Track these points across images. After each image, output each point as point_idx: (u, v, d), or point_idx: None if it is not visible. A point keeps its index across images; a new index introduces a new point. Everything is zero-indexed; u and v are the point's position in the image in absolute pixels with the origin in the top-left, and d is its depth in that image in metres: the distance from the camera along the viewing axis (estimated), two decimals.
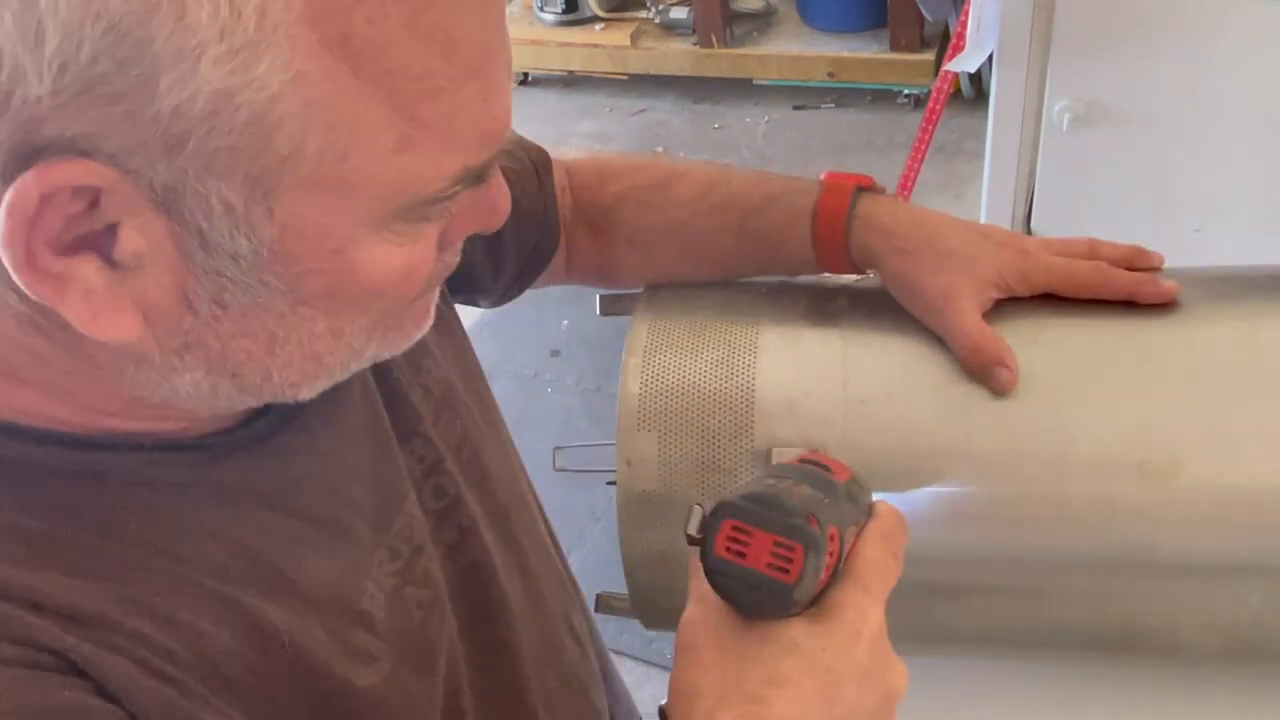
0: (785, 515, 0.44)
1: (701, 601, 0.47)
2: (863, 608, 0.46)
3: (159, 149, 0.34)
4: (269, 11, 0.33)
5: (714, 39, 3.14)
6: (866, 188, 0.67)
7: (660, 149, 3.15)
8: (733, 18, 3.18)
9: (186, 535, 0.45)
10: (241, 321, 0.40)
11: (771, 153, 3.07)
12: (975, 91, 2.89)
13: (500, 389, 0.69)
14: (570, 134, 3.27)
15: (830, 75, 3.08)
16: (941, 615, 0.65)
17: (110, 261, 0.37)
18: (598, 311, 0.76)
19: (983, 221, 1.40)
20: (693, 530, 0.46)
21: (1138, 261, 0.67)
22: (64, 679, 0.39)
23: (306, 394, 0.46)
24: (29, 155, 0.34)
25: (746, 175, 0.72)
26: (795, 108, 3.20)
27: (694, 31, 3.19)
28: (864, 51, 3.04)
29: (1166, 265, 0.68)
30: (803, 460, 0.51)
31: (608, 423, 0.64)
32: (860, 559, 0.47)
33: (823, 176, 0.68)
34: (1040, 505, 0.59)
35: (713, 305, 0.68)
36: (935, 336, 0.63)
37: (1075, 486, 0.58)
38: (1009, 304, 0.64)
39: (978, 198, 1.40)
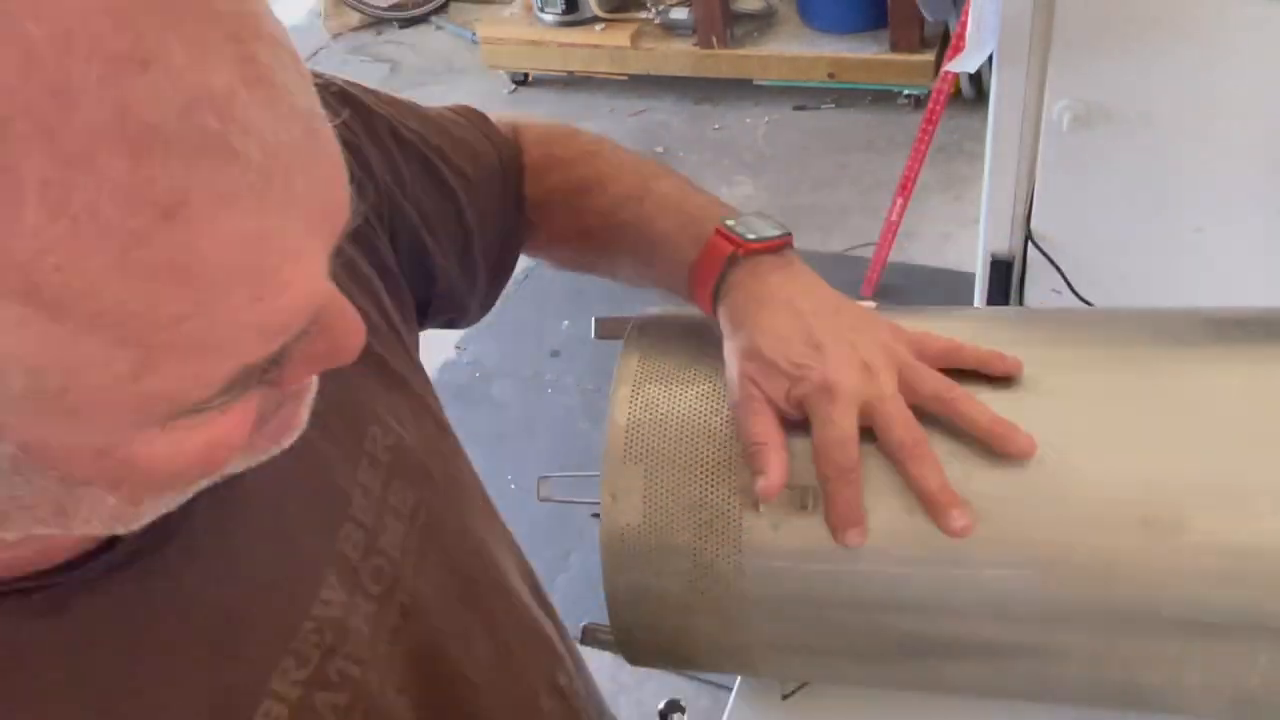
0: None
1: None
2: None
3: None
4: None
5: (714, 39, 3.14)
6: (750, 252, 0.62)
7: (660, 149, 3.15)
8: (733, 18, 3.18)
9: (28, 702, 0.40)
10: (14, 501, 0.36)
11: (771, 153, 3.07)
12: (975, 91, 2.89)
13: (500, 389, 0.69)
14: None
15: (830, 76, 3.08)
16: (941, 673, 0.63)
17: None
18: (593, 335, 0.74)
19: (983, 221, 1.40)
20: None
21: (994, 366, 0.61)
22: None
23: (134, 528, 0.40)
24: None
25: (662, 197, 0.67)
26: (795, 108, 3.20)
27: (694, 32, 3.19)
28: (864, 52, 3.04)
29: (1176, 302, 0.66)
30: None
31: (579, 489, 0.63)
32: None
33: (713, 230, 0.63)
34: (1040, 553, 0.57)
35: (707, 337, 0.65)
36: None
37: (1076, 537, 0.56)
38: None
39: (978, 198, 1.40)
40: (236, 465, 0.42)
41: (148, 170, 0.28)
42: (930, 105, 1.89)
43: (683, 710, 0.83)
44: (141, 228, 0.29)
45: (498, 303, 0.77)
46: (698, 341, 0.66)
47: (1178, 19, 1.18)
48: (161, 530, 0.43)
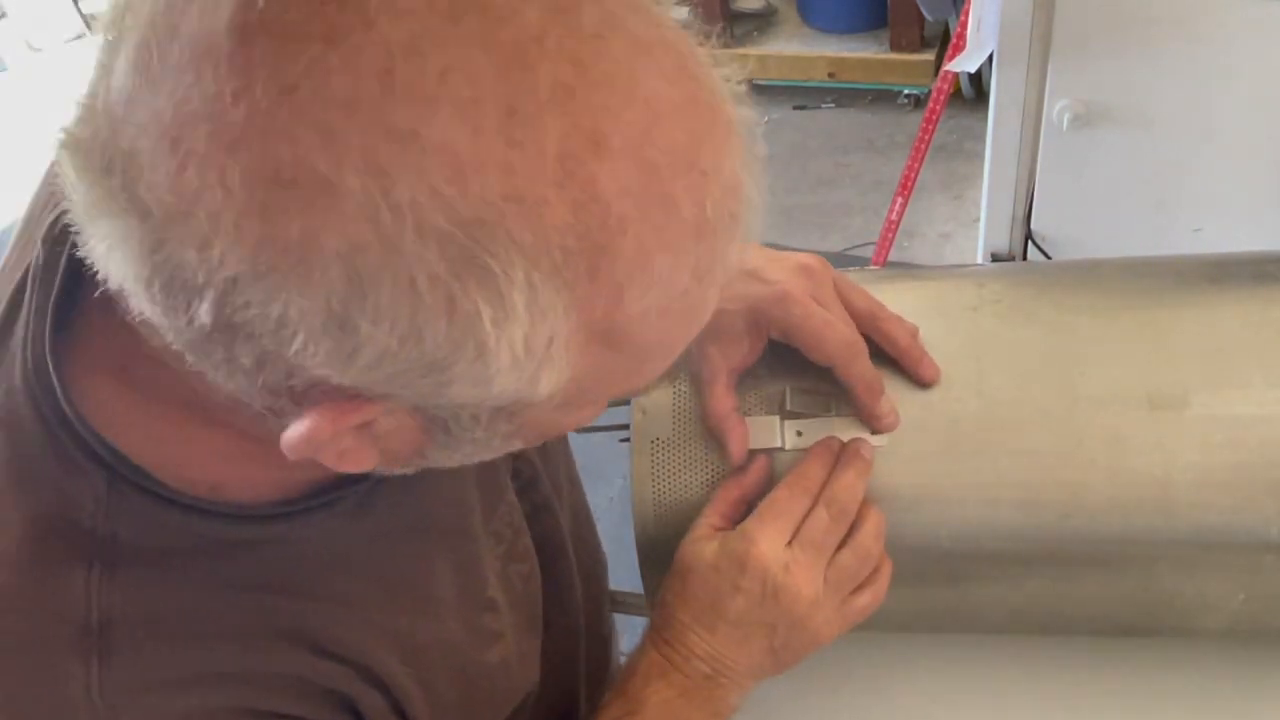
0: None
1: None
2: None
3: (435, 404, 0.39)
4: (556, 337, 0.36)
5: (714, 38, 3.14)
6: None
7: None
8: (733, 18, 3.17)
9: (348, 580, 0.50)
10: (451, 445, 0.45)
11: (772, 153, 3.03)
12: (975, 91, 2.89)
13: None
14: None
15: (830, 75, 3.07)
16: (964, 598, 0.66)
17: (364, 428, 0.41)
18: None
19: (984, 221, 1.40)
20: None
21: (908, 351, 0.63)
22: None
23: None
24: (309, 391, 0.37)
25: None
26: (795, 108, 3.20)
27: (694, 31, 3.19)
28: (864, 51, 3.04)
29: (1167, 252, 0.69)
30: None
31: (608, 413, 0.65)
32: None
33: None
34: (1054, 444, 0.60)
35: None
36: (942, 290, 0.67)
37: (1087, 422, 0.60)
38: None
39: (978, 198, 1.41)
40: None
41: (708, 245, 0.38)
42: (930, 105, 1.88)
43: None
44: (691, 289, 0.38)
45: None
46: None
47: (1178, 19, 1.18)
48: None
